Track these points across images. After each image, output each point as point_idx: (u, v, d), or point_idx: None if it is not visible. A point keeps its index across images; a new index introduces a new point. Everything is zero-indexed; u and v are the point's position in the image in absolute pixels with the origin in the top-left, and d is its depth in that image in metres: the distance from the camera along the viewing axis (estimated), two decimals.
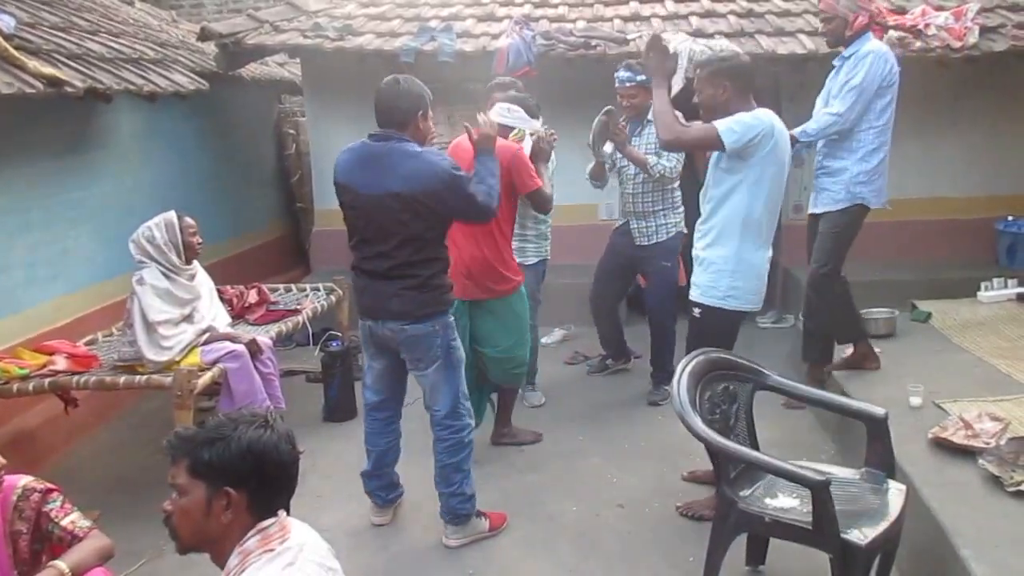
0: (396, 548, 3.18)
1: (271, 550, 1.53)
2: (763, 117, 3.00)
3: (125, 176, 5.00)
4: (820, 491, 2.23)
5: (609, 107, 4.13)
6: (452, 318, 3.10)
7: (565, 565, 3.01)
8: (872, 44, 3.70)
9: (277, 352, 4.09)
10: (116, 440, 4.31)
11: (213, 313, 3.81)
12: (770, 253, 3.20)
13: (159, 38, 5.85)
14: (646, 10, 6.08)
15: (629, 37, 5.55)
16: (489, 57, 5.41)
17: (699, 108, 3.19)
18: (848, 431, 3.47)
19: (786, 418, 4.02)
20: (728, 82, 3.05)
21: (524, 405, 4.44)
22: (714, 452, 2.54)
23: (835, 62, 3.81)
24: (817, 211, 3.90)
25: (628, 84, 4.21)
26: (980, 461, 2.76)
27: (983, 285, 4.92)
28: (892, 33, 5.32)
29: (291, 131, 7.60)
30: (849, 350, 3.98)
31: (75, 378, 3.46)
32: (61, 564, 2.04)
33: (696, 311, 3.24)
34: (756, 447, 2.80)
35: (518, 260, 3.93)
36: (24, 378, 3.41)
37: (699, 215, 3.31)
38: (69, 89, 3.75)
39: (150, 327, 3.43)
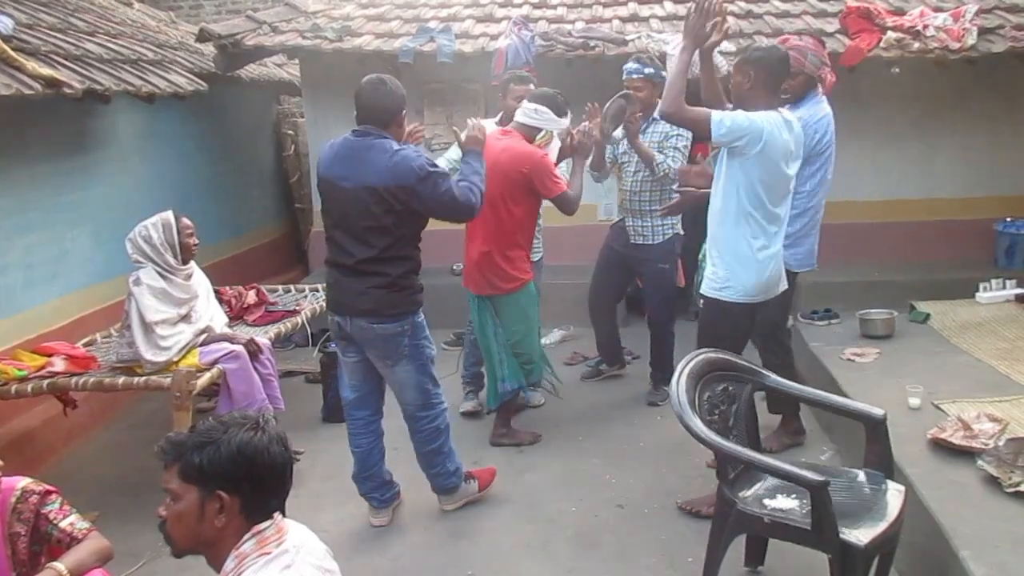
0: (396, 549, 3.18)
1: (267, 553, 1.53)
2: (758, 120, 2.98)
3: (123, 177, 5.00)
4: (819, 492, 2.23)
5: (627, 91, 4.11)
6: (422, 318, 3.12)
7: (564, 565, 3.01)
8: (825, 108, 3.63)
9: (276, 353, 4.09)
10: (115, 441, 4.31)
11: (210, 313, 3.80)
12: (774, 248, 3.16)
13: (157, 39, 5.85)
14: (645, 11, 6.09)
15: (628, 38, 5.55)
16: (488, 58, 5.41)
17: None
18: (847, 432, 3.48)
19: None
20: (753, 72, 3.06)
21: (528, 404, 4.46)
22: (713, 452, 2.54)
23: None
24: None
25: (635, 76, 4.15)
26: (979, 462, 2.76)
27: (982, 286, 4.93)
28: (891, 34, 5.33)
29: (290, 132, 7.60)
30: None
31: (74, 379, 3.46)
32: (59, 566, 2.04)
33: (701, 303, 3.30)
34: (758, 447, 2.81)
35: None
36: (23, 379, 3.41)
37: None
38: (67, 90, 3.75)
39: (147, 327, 3.42)
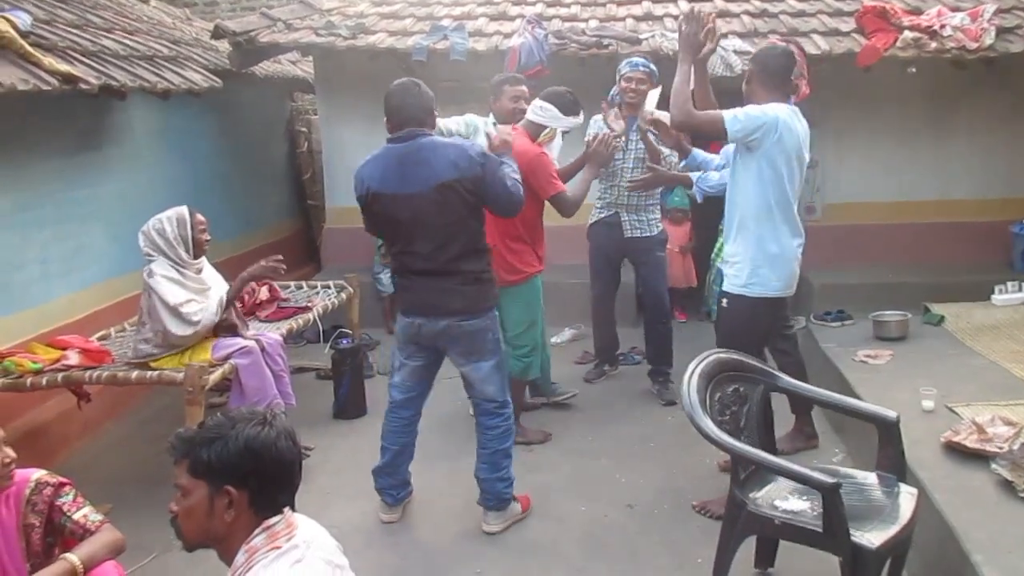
0: (406, 546, 3.18)
1: (278, 547, 1.54)
2: (770, 110, 3.01)
3: (138, 173, 5.03)
4: (831, 494, 2.22)
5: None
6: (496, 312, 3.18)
7: (573, 565, 3.00)
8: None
9: (287, 349, 4.10)
10: (127, 435, 4.34)
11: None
12: (797, 241, 3.20)
13: (173, 36, 5.88)
14: (659, 9, 6.07)
15: (642, 36, 5.54)
16: (501, 56, 5.41)
17: None
18: (859, 434, 3.45)
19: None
20: (753, 67, 3.12)
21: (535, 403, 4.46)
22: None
23: None
24: None
25: (641, 68, 4.21)
26: (993, 465, 2.74)
27: (997, 288, 4.88)
28: (907, 34, 5.29)
29: (303, 129, 7.63)
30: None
31: (88, 373, 3.49)
32: (72, 557, 2.06)
33: (724, 301, 3.29)
34: (772, 449, 2.79)
35: None
36: (37, 372, 3.44)
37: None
38: (84, 86, 3.77)
39: (172, 310, 3.45)
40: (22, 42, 3.55)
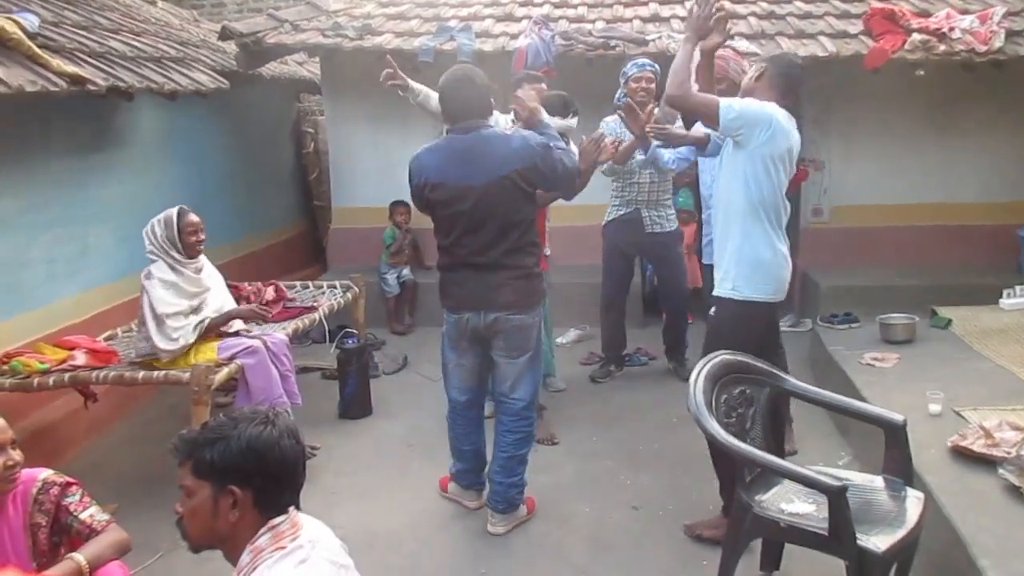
0: (410, 546, 3.18)
1: (282, 547, 1.54)
2: (768, 108, 2.97)
3: (145, 174, 5.05)
4: (837, 497, 2.21)
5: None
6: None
7: (577, 566, 3.00)
8: None
9: (293, 349, 4.11)
10: (133, 435, 4.35)
11: (220, 304, 3.83)
12: (783, 245, 3.12)
13: (180, 37, 5.90)
14: (666, 11, 6.06)
15: (648, 38, 5.54)
16: (508, 57, 5.42)
17: None
18: (866, 437, 3.44)
19: (803, 422, 3.99)
20: (766, 65, 3.10)
21: (547, 390, 4.52)
22: (730, 456, 2.52)
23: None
24: None
25: (648, 68, 4.33)
26: (1000, 470, 2.73)
27: (1005, 292, 4.85)
28: (916, 36, 5.27)
29: (310, 129, 7.65)
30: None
31: (94, 373, 3.50)
32: (79, 556, 2.06)
33: (712, 308, 3.23)
34: (778, 451, 2.78)
35: None
36: (44, 372, 3.45)
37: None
38: (91, 87, 3.79)
39: (159, 319, 3.48)
40: (30, 43, 3.57)
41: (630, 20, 5.92)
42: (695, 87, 3.04)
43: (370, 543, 3.18)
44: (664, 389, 4.65)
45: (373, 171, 6.29)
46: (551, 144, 3.02)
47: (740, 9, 5.94)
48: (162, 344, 3.48)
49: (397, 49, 5.56)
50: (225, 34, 5.71)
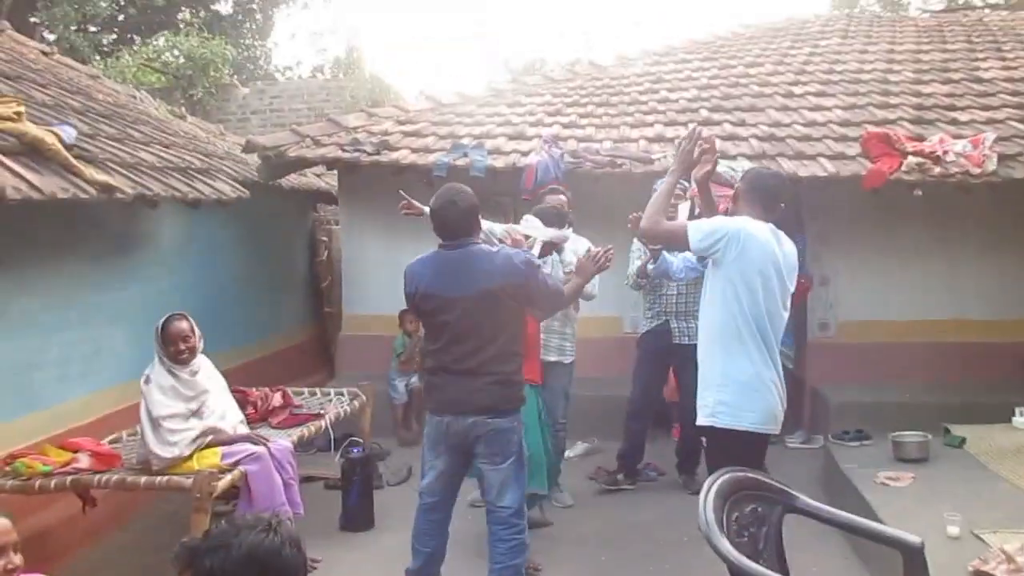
0: None
1: None
2: (733, 222, 2.97)
3: (161, 278, 5.15)
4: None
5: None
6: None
7: None
8: None
9: (297, 456, 4.06)
10: (130, 543, 4.23)
11: (223, 409, 3.82)
12: (769, 371, 2.99)
13: (206, 149, 6.17)
14: (670, 132, 6.31)
15: (654, 157, 5.75)
16: (519, 172, 5.62)
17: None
18: (883, 559, 3.32)
19: (819, 544, 3.86)
20: (742, 186, 3.12)
21: (554, 505, 4.45)
22: None
23: None
24: None
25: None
26: None
27: (1018, 410, 4.79)
28: (911, 159, 5.46)
29: (324, 238, 7.85)
30: None
31: (96, 477, 3.47)
32: None
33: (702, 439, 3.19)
34: (786, 575, 2.69)
35: (556, 358, 4.32)
36: (47, 475, 3.42)
37: None
38: (120, 195, 3.95)
39: (155, 423, 3.48)
40: (66, 154, 3.75)
41: (636, 140, 6.16)
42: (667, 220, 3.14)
43: None
44: (673, 505, 4.52)
45: (385, 279, 6.38)
46: (536, 263, 3.21)
47: (741, 131, 6.19)
48: (157, 449, 3.46)
49: (412, 164, 5.79)
50: (249, 147, 5.97)
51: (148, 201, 4.34)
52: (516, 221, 4.16)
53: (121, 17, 13.19)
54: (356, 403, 4.80)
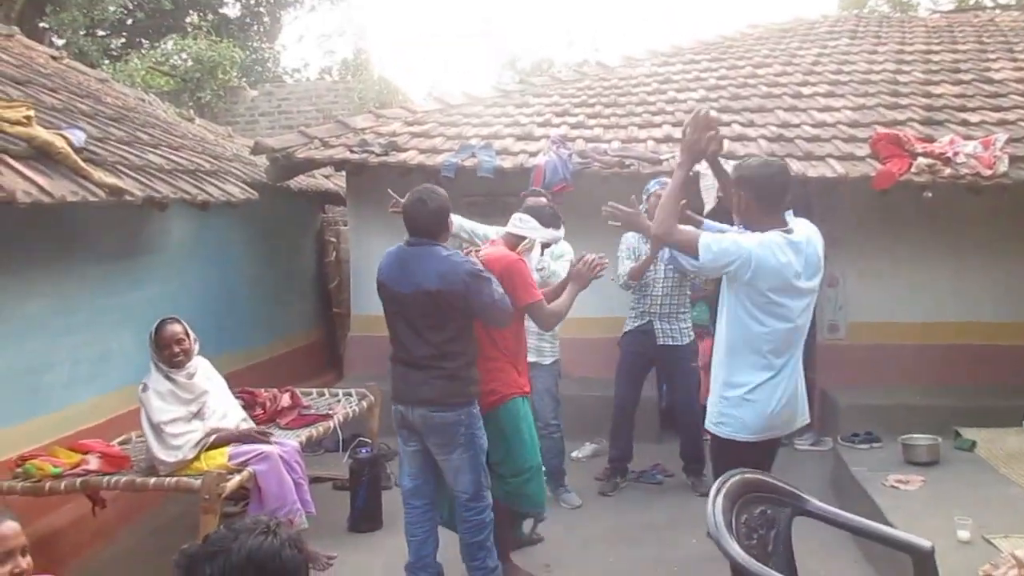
0: None
1: None
2: (747, 244, 2.84)
3: (170, 279, 5.17)
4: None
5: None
6: (478, 409, 3.30)
7: None
8: None
9: (305, 457, 4.07)
10: (138, 545, 4.24)
11: (224, 409, 3.83)
12: (779, 381, 2.95)
13: (215, 151, 6.19)
14: (677, 132, 6.28)
15: (662, 157, 5.74)
16: (526, 173, 5.62)
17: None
18: (892, 563, 3.30)
19: (828, 547, 3.84)
20: (743, 192, 2.96)
21: (562, 506, 4.46)
22: None
23: None
24: None
25: (660, 188, 4.41)
26: None
27: None
28: (921, 160, 5.42)
29: (332, 239, 7.86)
30: None
31: (106, 478, 3.48)
32: None
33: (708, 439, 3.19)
34: None
35: (534, 359, 4.20)
36: (56, 477, 3.44)
37: None
38: (128, 198, 3.97)
39: (156, 429, 3.52)
40: (75, 157, 3.77)
41: (644, 140, 6.15)
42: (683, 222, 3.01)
43: None
44: (681, 507, 4.51)
45: None
46: (485, 275, 3.23)
47: (750, 132, 6.17)
48: (161, 455, 3.48)
49: (420, 165, 5.80)
50: (258, 149, 5.99)
51: (157, 203, 4.36)
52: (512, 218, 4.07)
53: (129, 21, 13.26)
54: (364, 404, 4.80)
